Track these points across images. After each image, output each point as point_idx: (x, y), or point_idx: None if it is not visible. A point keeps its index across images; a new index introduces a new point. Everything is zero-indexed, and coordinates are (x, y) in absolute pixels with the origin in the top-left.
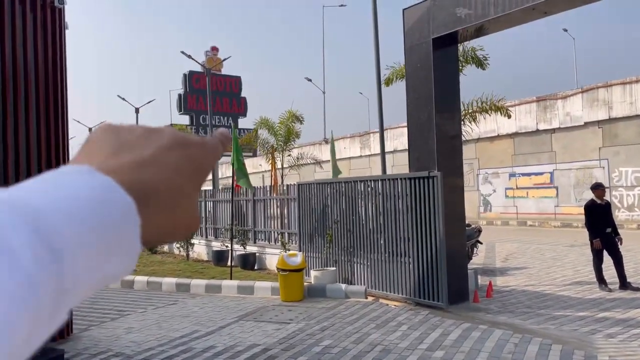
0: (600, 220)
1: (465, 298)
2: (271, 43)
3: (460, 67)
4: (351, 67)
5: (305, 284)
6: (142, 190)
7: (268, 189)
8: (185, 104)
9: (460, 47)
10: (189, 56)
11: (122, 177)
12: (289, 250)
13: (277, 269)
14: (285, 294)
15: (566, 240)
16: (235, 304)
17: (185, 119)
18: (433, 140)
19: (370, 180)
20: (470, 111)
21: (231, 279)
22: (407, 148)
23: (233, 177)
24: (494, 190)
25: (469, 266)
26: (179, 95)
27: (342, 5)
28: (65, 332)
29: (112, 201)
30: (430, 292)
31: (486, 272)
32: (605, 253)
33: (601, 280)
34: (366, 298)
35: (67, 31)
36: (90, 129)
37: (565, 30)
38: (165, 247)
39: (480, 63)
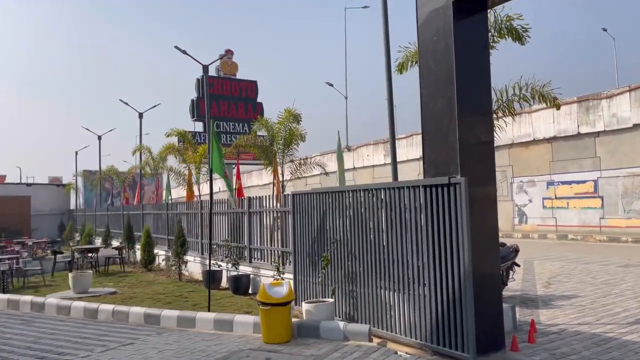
0: None
1: (499, 345)
2: (293, 48)
3: (492, 42)
4: (377, 73)
5: (295, 319)
6: None
7: (265, 200)
8: (198, 109)
9: (491, 17)
10: (184, 52)
11: None
12: (283, 273)
13: (258, 301)
14: (268, 333)
15: (617, 259)
16: (205, 345)
17: (199, 126)
18: (455, 136)
19: (375, 189)
20: (504, 100)
21: (209, 310)
22: None
23: (211, 186)
24: (530, 201)
25: (503, 294)
26: (192, 100)
27: (365, 7)
28: None
29: None
30: (452, 337)
31: (525, 301)
32: None
33: None
34: (370, 341)
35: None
36: (99, 137)
37: (605, 29)
38: (162, 264)
39: (518, 36)
